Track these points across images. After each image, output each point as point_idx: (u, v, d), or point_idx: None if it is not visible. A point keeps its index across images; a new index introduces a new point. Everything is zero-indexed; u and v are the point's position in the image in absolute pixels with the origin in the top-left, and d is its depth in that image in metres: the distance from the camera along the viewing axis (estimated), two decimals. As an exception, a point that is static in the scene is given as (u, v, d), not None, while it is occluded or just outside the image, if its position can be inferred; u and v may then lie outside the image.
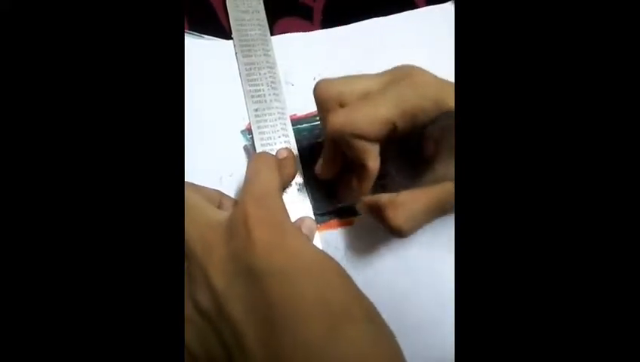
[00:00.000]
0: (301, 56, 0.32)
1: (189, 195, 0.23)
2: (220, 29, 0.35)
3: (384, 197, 0.23)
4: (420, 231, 0.29)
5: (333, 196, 0.29)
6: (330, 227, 0.29)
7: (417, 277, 0.28)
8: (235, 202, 0.26)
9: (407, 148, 0.24)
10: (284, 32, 0.35)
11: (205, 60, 0.32)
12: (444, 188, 0.23)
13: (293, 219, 0.24)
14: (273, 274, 0.19)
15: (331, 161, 0.26)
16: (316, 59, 0.33)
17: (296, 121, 0.31)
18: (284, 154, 0.27)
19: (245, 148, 0.30)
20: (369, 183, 0.24)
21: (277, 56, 0.32)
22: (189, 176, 0.29)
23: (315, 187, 0.29)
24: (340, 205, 0.28)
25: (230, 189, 0.29)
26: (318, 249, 0.21)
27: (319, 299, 0.18)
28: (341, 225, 0.30)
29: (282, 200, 0.22)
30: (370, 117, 0.22)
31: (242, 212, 0.20)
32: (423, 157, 0.24)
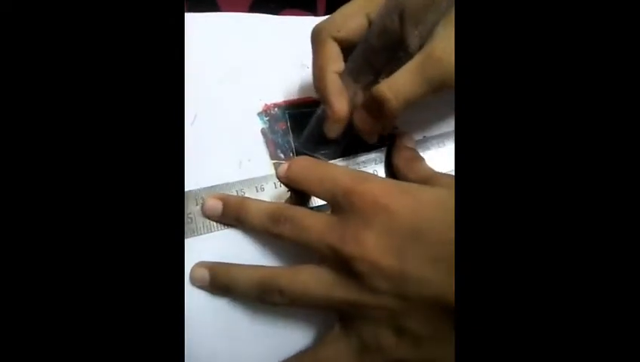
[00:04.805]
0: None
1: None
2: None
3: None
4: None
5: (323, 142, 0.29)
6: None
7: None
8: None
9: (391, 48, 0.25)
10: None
11: (219, 42, 0.31)
12: (422, 55, 0.24)
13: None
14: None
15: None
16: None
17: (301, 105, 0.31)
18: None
19: (263, 132, 0.29)
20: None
21: (288, 39, 0.32)
22: (209, 162, 0.28)
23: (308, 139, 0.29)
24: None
25: (250, 174, 0.28)
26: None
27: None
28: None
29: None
30: (346, 11, 0.26)
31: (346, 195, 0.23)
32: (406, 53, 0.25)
